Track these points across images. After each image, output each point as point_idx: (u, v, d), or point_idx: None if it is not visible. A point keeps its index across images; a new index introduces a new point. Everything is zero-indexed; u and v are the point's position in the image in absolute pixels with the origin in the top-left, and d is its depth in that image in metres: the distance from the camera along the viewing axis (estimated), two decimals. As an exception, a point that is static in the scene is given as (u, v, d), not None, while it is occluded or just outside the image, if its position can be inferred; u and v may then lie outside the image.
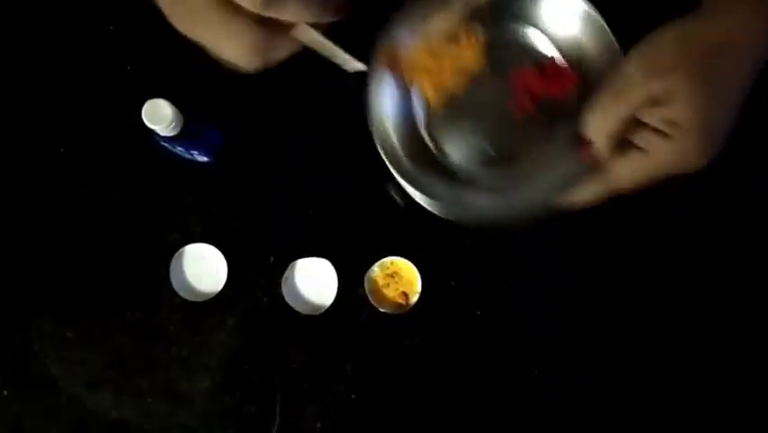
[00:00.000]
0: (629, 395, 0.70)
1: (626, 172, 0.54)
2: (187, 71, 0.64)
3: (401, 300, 0.71)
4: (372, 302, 0.69)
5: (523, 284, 0.71)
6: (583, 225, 0.70)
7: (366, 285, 0.70)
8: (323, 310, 0.69)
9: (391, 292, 0.71)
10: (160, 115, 0.56)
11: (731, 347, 0.71)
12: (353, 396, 0.70)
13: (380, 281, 0.71)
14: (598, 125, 0.54)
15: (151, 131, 0.57)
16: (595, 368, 0.71)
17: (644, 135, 0.53)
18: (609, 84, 0.52)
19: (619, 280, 0.71)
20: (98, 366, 0.68)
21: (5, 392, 0.68)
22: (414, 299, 0.70)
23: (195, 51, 0.59)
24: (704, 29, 0.48)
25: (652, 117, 0.51)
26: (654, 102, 0.50)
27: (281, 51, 0.45)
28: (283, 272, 0.69)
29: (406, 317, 0.70)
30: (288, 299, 0.69)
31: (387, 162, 0.62)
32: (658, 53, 0.48)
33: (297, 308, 0.69)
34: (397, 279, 0.71)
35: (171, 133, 0.57)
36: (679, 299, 0.71)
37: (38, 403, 0.68)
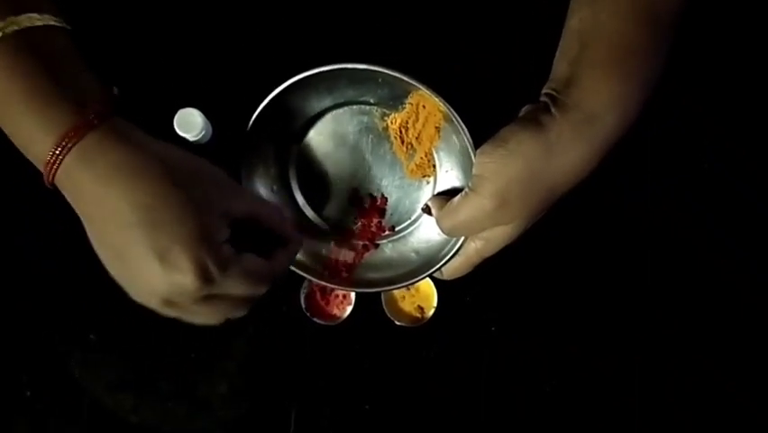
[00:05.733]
0: (650, 410, 0.71)
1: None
2: (219, 82, 0.66)
3: (417, 314, 0.72)
4: (388, 315, 0.71)
5: (538, 302, 0.72)
6: (602, 244, 0.71)
7: (383, 297, 0.71)
8: (340, 321, 0.71)
9: (407, 306, 0.72)
10: (190, 124, 0.59)
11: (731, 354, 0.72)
12: (367, 406, 0.71)
13: (397, 295, 0.72)
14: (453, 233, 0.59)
15: (182, 138, 0.60)
16: (612, 383, 0.71)
17: None
18: (462, 210, 0.55)
19: (638, 298, 0.72)
20: (120, 369, 0.70)
21: (28, 393, 0.70)
22: (429, 313, 0.71)
23: (226, 65, 0.62)
24: (546, 170, 0.50)
25: None
26: None
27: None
28: (303, 282, 0.71)
29: (421, 330, 0.71)
30: (306, 308, 0.71)
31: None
32: (509, 191, 0.50)
33: (315, 318, 0.71)
34: (413, 292, 0.72)
35: (201, 141, 0.60)
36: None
37: (60, 404, 0.70)
